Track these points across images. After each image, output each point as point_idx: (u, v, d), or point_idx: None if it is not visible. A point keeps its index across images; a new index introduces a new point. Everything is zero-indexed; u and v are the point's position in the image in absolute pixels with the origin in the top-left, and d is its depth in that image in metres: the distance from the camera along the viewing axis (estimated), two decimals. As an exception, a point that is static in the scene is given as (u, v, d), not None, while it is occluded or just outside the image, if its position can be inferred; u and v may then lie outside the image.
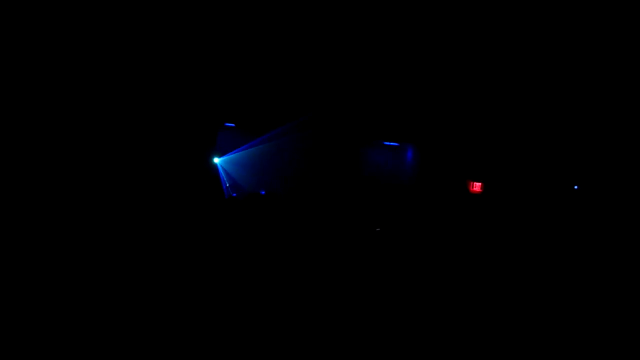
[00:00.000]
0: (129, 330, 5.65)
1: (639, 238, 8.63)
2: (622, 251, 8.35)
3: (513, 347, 5.54)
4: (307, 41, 9.08)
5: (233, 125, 10.15)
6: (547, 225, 9.30)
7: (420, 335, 5.80)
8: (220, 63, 9.17)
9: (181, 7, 8.16)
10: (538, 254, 8.58)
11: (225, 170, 9.95)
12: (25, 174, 7.61)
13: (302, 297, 6.25)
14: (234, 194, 9.93)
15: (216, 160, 10.09)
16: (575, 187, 9.80)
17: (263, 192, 9.75)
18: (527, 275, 7.83)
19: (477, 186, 10.24)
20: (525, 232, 9.19)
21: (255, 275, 6.81)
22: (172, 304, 6.38)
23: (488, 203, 9.87)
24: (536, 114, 9.82)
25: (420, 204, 9.89)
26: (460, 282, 7.17)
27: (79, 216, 7.64)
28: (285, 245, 7.54)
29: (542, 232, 9.18)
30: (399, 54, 9.52)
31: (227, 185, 9.93)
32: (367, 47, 9.38)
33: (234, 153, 9.95)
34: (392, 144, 10.41)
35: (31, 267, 6.42)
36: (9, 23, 7.18)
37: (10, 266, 6.26)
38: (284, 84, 9.69)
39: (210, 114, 9.69)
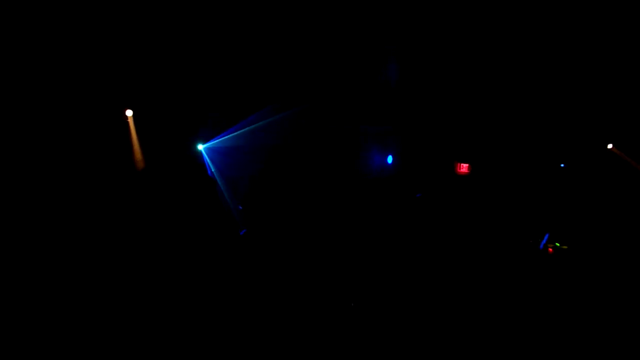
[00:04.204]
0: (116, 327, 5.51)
1: (626, 213, 8.72)
2: (611, 227, 8.43)
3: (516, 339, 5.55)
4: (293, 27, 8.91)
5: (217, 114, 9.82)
6: (536, 204, 9.32)
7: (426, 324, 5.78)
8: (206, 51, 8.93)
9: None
10: (528, 234, 8.61)
11: (210, 160, 9.58)
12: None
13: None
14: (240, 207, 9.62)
15: (200, 147, 9.74)
16: (562, 165, 9.82)
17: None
18: (518, 258, 7.83)
19: (464, 167, 10.17)
20: (514, 211, 9.21)
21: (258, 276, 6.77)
22: (168, 299, 6.27)
23: (476, 184, 9.84)
24: (522, 93, 9.77)
25: (408, 187, 9.83)
26: (456, 271, 7.15)
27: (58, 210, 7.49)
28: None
29: (531, 212, 9.21)
30: (382, 36, 9.36)
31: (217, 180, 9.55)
32: (350, 29, 9.20)
33: (220, 139, 9.53)
34: (377, 127, 10.23)
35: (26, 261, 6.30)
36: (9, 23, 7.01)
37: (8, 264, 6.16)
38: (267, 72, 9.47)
39: (193, 102, 9.42)
